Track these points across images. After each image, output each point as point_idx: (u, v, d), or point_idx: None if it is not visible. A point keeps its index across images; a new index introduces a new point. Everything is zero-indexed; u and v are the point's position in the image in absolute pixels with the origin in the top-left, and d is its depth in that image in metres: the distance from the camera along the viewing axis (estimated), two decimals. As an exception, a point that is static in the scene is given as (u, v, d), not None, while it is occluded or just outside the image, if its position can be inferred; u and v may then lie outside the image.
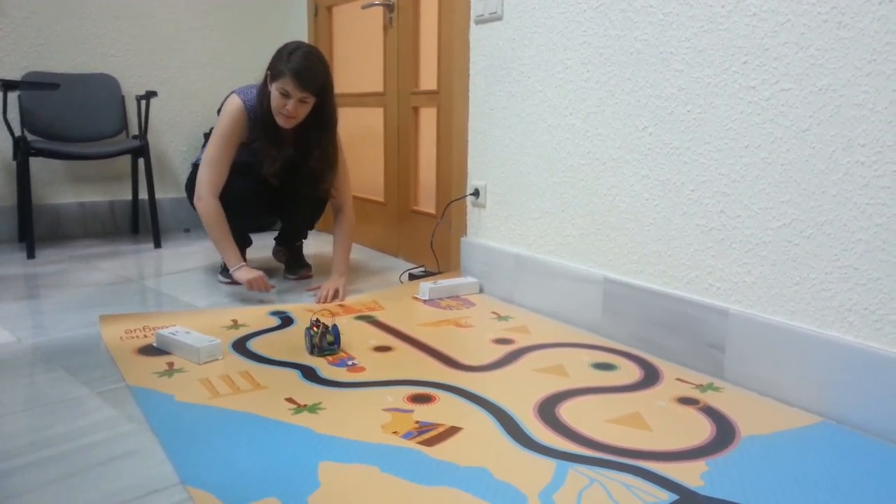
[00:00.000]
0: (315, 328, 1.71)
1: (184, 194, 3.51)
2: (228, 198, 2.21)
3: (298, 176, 2.28)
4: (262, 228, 3.06)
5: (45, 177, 3.15)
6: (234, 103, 2.20)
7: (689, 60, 1.63)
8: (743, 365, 1.56)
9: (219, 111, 2.30)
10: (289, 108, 2.09)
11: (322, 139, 2.23)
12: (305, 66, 2.07)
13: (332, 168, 2.29)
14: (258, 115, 2.18)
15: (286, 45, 2.13)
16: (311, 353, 1.71)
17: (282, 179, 2.29)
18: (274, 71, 2.10)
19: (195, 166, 2.33)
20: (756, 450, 1.26)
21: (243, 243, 2.41)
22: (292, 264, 2.56)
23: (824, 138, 1.39)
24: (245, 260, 2.28)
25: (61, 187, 3.21)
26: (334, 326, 1.74)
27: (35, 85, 2.90)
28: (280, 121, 2.14)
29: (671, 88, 1.68)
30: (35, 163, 2.95)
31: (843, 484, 1.15)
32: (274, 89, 2.10)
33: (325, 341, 1.71)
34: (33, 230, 2.84)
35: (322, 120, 2.21)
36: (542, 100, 2.06)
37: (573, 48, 1.93)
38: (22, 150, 2.76)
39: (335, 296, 2.21)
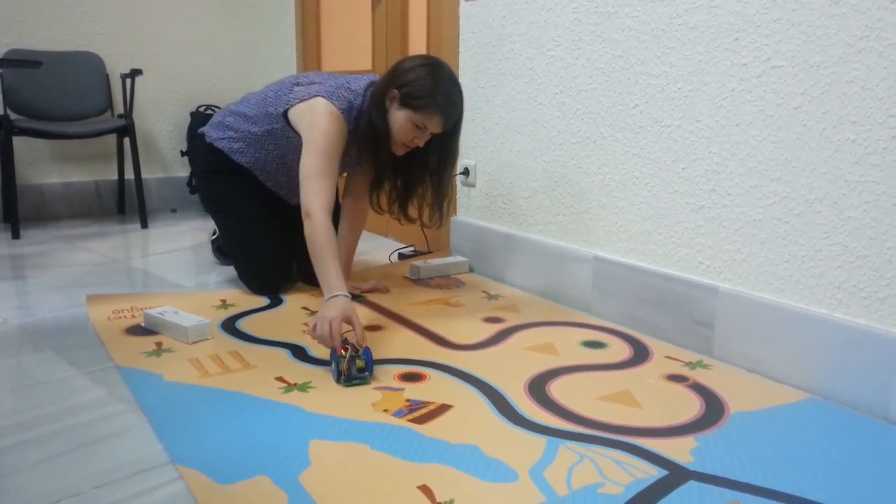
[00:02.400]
0: (343, 351, 1.43)
1: (170, 174, 3.49)
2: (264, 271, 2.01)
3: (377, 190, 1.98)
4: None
5: (29, 156, 3.10)
6: (334, 113, 1.79)
7: (681, 38, 1.62)
8: (732, 342, 1.57)
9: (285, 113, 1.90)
10: (418, 141, 1.81)
11: (440, 169, 1.89)
12: (454, 103, 1.79)
13: (439, 197, 1.93)
14: (369, 135, 1.83)
15: (419, 69, 1.76)
16: (338, 381, 1.43)
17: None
18: (411, 99, 1.75)
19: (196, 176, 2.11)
20: (745, 426, 1.27)
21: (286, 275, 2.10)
22: None
23: (815, 115, 1.39)
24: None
25: (46, 167, 3.17)
26: (366, 350, 1.45)
27: (17, 63, 2.84)
28: (397, 149, 1.83)
29: (662, 66, 1.67)
30: (18, 142, 2.91)
31: (831, 459, 1.16)
32: (405, 119, 1.76)
33: (355, 367, 1.42)
34: (18, 210, 2.81)
35: (441, 150, 1.87)
36: (532, 78, 2.04)
37: (564, 25, 1.91)
38: (5, 129, 2.72)
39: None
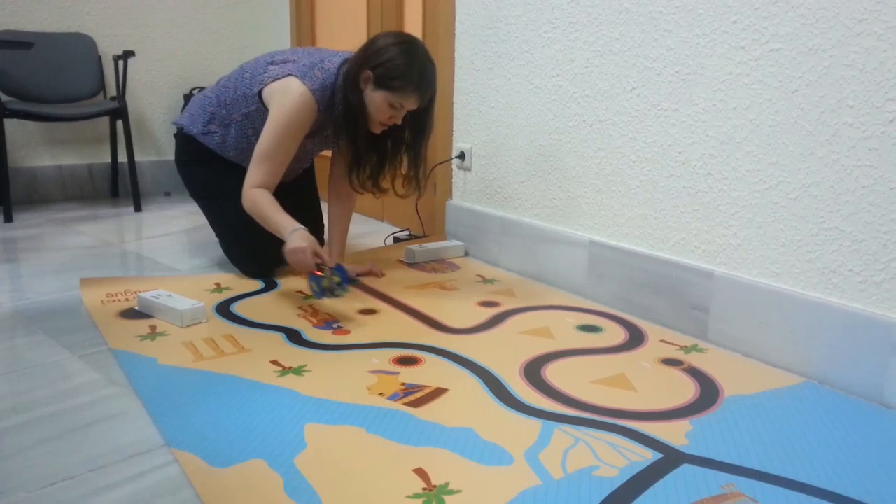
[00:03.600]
0: (318, 273, 1.66)
1: (163, 157, 3.47)
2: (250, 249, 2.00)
3: (357, 168, 1.99)
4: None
5: (21, 139, 3.08)
6: (303, 95, 1.81)
7: (678, 20, 1.61)
8: (727, 326, 1.57)
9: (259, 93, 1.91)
10: (395, 119, 1.83)
11: (416, 142, 1.93)
12: (429, 82, 1.80)
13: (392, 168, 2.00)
14: (345, 114, 1.85)
15: (393, 49, 1.77)
16: (322, 296, 1.67)
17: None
18: (386, 80, 1.76)
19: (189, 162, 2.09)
20: (739, 409, 1.27)
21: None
22: None
23: (813, 99, 1.38)
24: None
25: (38, 150, 3.14)
26: (339, 267, 1.70)
27: (8, 44, 2.81)
28: (374, 127, 1.86)
29: (660, 49, 1.66)
30: (10, 124, 2.88)
31: (826, 443, 1.16)
32: (381, 99, 1.77)
33: (334, 282, 1.67)
34: (10, 193, 2.78)
35: (416, 125, 1.91)
36: (528, 60, 2.03)
37: (560, 7, 1.90)
38: (-4, 111, 2.69)
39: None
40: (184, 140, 2.07)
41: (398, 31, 1.95)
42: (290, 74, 1.84)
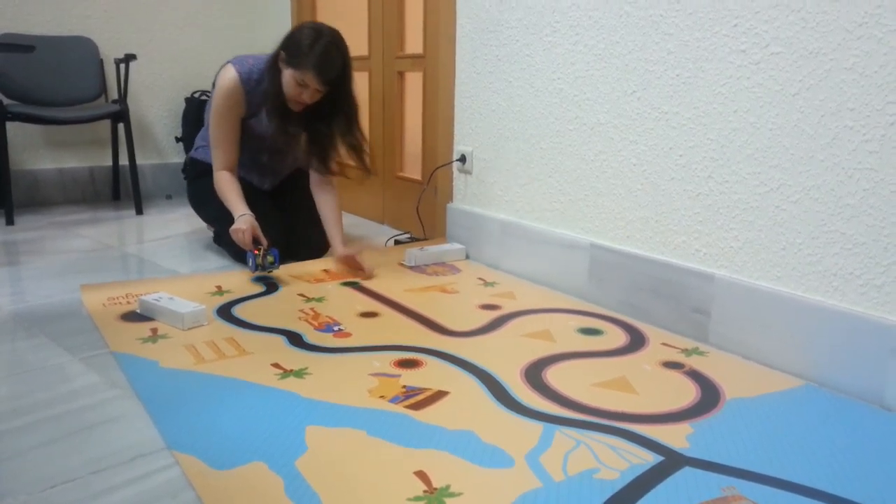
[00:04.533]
0: (256, 251, 1.95)
1: (165, 160, 3.48)
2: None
3: (293, 152, 2.21)
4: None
5: (23, 142, 3.08)
6: (229, 75, 2.08)
7: (679, 23, 1.61)
8: (728, 329, 1.57)
9: (213, 84, 2.18)
10: (304, 97, 2.01)
11: (337, 123, 2.12)
12: (328, 61, 1.96)
13: (330, 150, 2.17)
14: (268, 94, 2.06)
15: (304, 31, 1.99)
16: (255, 270, 1.98)
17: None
18: (291, 58, 1.98)
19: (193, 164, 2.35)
20: (740, 412, 1.27)
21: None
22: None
23: (813, 102, 1.38)
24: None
25: (39, 153, 3.15)
26: (273, 249, 1.98)
27: (10, 47, 2.82)
28: (292, 105, 2.06)
29: (660, 52, 1.66)
30: (11, 127, 2.88)
31: (827, 446, 1.16)
32: (290, 76, 1.99)
33: (267, 261, 1.96)
34: (11, 196, 2.79)
35: (335, 105, 2.09)
36: (529, 64, 2.03)
37: (561, 11, 1.90)
38: (-3, 114, 2.70)
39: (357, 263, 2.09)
40: (188, 164, 2.40)
41: (322, 23, 2.11)
42: (226, 63, 2.11)
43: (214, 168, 2.14)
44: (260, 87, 2.08)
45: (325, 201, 2.25)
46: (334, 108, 2.10)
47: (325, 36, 1.98)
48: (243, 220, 2.01)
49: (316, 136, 2.15)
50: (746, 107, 1.50)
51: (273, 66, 2.04)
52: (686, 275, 1.65)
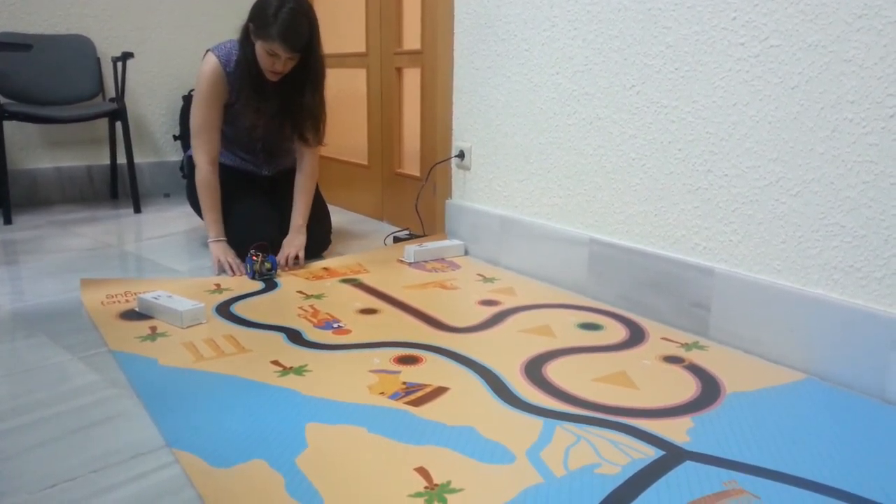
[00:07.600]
0: (255, 257, 1.99)
1: (163, 158, 3.47)
2: (239, 230, 2.14)
3: (283, 129, 2.19)
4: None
5: (20, 141, 3.07)
6: (210, 62, 2.10)
7: (678, 17, 1.61)
8: (728, 323, 1.57)
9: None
10: (277, 67, 2.01)
11: (309, 89, 2.12)
12: (293, 28, 1.95)
13: (317, 118, 2.18)
14: (243, 69, 2.06)
15: (278, 2, 1.96)
16: (252, 277, 1.99)
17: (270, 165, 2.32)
18: (259, 29, 1.97)
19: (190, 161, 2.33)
20: (741, 406, 1.27)
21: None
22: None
23: (813, 95, 1.38)
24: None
25: (37, 152, 3.14)
26: (270, 256, 2.02)
27: (7, 46, 2.81)
28: (268, 76, 2.05)
29: (659, 46, 1.66)
30: (9, 126, 2.87)
31: (828, 439, 1.16)
32: (259, 48, 1.99)
33: (265, 268, 2.00)
34: (9, 195, 2.78)
35: (308, 71, 2.10)
36: (528, 59, 2.03)
37: (560, 5, 1.90)
38: (-5, 113, 2.69)
39: (295, 261, 2.11)
40: (186, 162, 2.41)
41: None
42: (208, 51, 2.13)
43: (196, 161, 2.12)
44: (239, 68, 2.09)
45: (298, 183, 2.23)
46: (307, 73, 2.10)
47: (288, 5, 1.95)
48: (219, 247, 2.10)
49: (294, 107, 2.14)
50: (745, 100, 1.49)
51: (245, 38, 2.04)
52: (686, 269, 1.65)
